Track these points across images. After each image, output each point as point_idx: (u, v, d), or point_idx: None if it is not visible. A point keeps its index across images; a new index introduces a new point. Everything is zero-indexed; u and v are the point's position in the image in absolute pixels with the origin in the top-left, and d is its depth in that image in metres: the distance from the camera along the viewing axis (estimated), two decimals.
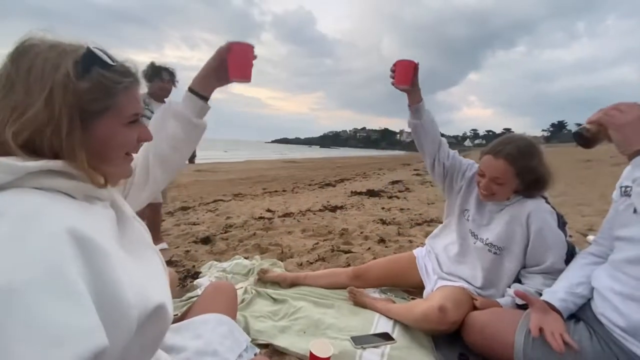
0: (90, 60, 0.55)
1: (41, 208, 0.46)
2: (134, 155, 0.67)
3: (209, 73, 0.91)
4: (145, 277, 0.58)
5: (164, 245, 2.52)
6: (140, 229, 0.68)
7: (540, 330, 0.97)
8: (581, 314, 1.04)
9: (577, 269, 1.12)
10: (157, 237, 2.51)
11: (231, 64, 0.87)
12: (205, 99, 0.92)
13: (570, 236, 1.52)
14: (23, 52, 0.53)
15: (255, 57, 0.90)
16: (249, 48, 0.87)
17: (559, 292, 1.06)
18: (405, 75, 1.28)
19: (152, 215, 2.40)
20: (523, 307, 1.17)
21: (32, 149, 0.51)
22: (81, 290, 0.42)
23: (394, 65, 1.30)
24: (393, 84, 1.32)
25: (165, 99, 2.53)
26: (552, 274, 1.23)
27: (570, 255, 1.24)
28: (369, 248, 2.43)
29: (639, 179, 0.88)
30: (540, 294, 1.12)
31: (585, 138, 0.98)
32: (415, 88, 1.37)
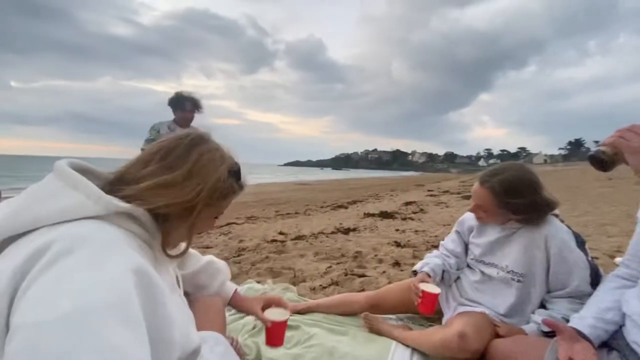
0: (237, 175, 0.71)
1: (117, 242, 0.53)
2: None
3: (247, 311, 1.11)
4: (186, 318, 0.63)
5: None
6: (172, 273, 0.75)
7: None
8: (613, 342, 0.96)
9: (605, 294, 1.06)
10: None
11: (269, 336, 1.04)
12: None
13: (596, 258, 1.45)
14: (199, 142, 0.67)
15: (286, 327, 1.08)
16: (284, 324, 1.04)
17: (588, 318, 1.00)
18: (431, 306, 1.32)
19: None
20: (549, 333, 1.10)
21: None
22: (141, 321, 0.47)
23: (422, 292, 1.31)
24: (418, 309, 1.33)
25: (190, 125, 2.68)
26: (578, 297, 1.16)
27: (595, 276, 1.17)
28: (384, 272, 2.37)
29: None
30: (567, 320, 1.06)
31: (602, 161, 0.94)
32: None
